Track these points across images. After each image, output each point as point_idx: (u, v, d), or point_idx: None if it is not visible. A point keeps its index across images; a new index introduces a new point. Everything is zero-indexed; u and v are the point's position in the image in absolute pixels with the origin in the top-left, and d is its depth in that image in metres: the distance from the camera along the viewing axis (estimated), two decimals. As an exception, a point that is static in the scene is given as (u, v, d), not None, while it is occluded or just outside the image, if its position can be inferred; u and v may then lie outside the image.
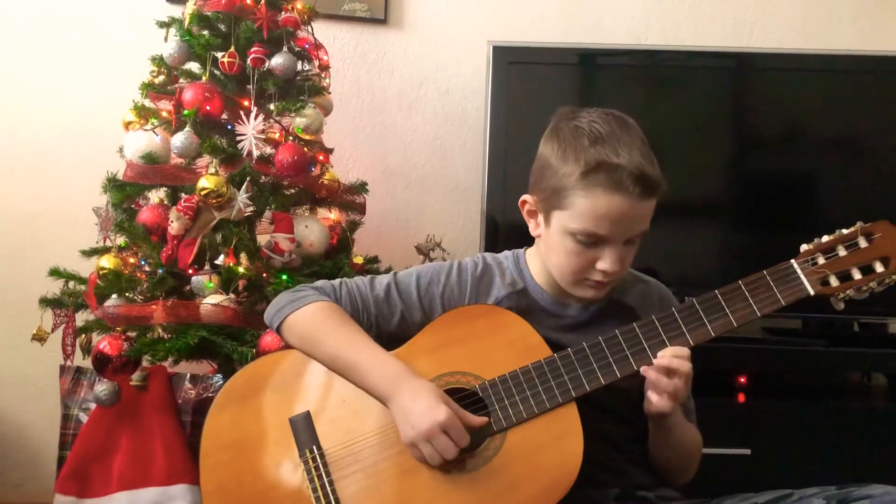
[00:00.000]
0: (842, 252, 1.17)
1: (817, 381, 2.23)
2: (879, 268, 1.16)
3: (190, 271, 1.74)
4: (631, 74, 2.23)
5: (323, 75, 2.00)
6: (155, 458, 1.78)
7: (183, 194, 1.78)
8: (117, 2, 2.34)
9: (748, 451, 1.88)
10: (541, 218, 1.25)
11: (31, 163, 2.31)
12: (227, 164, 1.79)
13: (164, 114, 1.85)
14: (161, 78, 1.91)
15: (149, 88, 1.88)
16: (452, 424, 1.12)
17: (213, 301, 1.69)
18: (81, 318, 1.87)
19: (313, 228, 1.87)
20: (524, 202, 1.28)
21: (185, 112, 1.77)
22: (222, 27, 1.88)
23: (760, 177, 2.20)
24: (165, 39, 1.90)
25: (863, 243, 1.16)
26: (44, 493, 2.06)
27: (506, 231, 2.11)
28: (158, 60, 1.90)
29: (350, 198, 2.03)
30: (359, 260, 1.96)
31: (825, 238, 1.18)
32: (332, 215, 2.03)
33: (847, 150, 2.15)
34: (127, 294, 1.75)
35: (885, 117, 2.12)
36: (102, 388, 1.75)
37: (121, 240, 1.84)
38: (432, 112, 2.43)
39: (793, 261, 1.18)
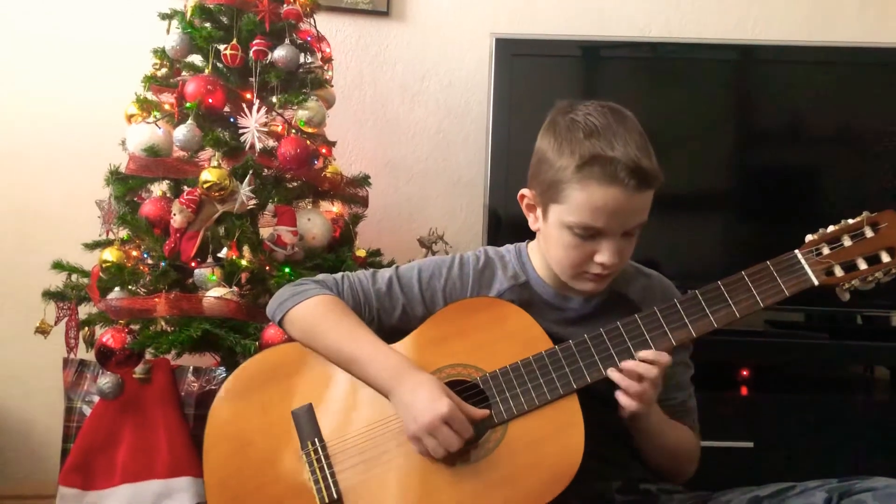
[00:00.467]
0: (847, 242, 1.16)
1: (820, 374, 2.22)
2: (886, 258, 1.15)
3: (193, 264, 1.74)
4: (634, 66, 2.22)
5: (325, 68, 1.99)
6: (158, 451, 1.79)
7: (185, 187, 1.78)
8: (119, -5, 2.34)
9: (751, 444, 1.88)
10: (539, 212, 1.25)
11: (34, 156, 2.31)
12: (230, 156, 1.79)
13: (167, 106, 1.85)
14: (163, 70, 1.91)
15: (151, 81, 1.88)
16: (455, 416, 1.12)
17: (215, 294, 1.69)
18: (84, 311, 1.87)
19: (316, 221, 1.87)
20: (522, 196, 1.28)
21: (188, 105, 1.77)
22: (224, 19, 1.87)
23: (764, 169, 2.19)
24: (167, 32, 1.89)
25: (869, 233, 1.16)
26: (48, 485, 2.06)
27: (508, 224, 2.11)
28: (160, 53, 1.89)
29: (353, 191, 2.03)
30: (361, 253, 1.96)
31: (830, 228, 1.17)
32: (335, 208, 2.03)
33: (851, 141, 2.14)
34: (130, 287, 1.76)
35: (890, 109, 2.10)
36: (106, 380, 1.75)
37: (123, 233, 1.84)
38: (435, 105, 2.42)
39: (797, 251, 1.17)
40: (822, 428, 1.89)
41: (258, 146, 1.76)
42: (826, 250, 1.16)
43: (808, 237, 1.18)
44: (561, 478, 1.12)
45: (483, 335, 1.23)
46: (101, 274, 1.78)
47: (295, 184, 1.90)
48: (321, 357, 1.26)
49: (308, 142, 1.83)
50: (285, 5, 1.87)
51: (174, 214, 1.73)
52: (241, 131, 1.77)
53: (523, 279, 1.30)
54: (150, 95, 1.89)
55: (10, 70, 2.31)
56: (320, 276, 1.34)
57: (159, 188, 1.89)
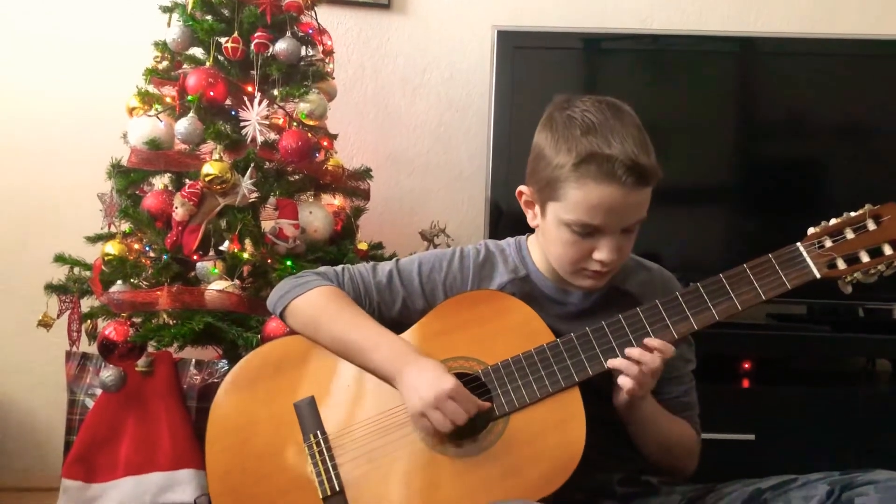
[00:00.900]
0: (849, 235, 1.15)
1: (822, 366, 2.22)
2: (888, 250, 1.14)
3: (195, 257, 1.74)
4: (636, 59, 2.21)
5: (327, 60, 1.99)
6: (161, 444, 1.79)
7: (187, 180, 1.78)
8: (121, -13, 2.33)
9: (752, 437, 1.88)
10: (537, 209, 1.24)
11: (36, 149, 2.31)
12: (231, 149, 1.78)
13: (168, 99, 1.85)
14: (164, 63, 1.91)
15: (152, 74, 1.88)
16: (459, 391, 1.12)
17: (217, 287, 1.69)
18: (87, 304, 1.87)
19: (317, 214, 1.87)
20: (521, 193, 1.27)
21: (189, 98, 1.77)
22: (226, 12, 1.87)
23: (766, 161, 2.19)
24: (168, 24, 1.89)
25: (871, 226, 1.15)
26: (51, 477, 2.08)
27: (510, 218, 2.11)
28: (162, 46, 1.89)
29: (354, 184, 2.03)
30: (363, 246, 1.96)
31: (832, 221, 1.17)
32: (337, 201, 2.03)
33: (853, 134, 2.13)
34: (132, 280, 1.76)
35: (893, 101, 2.10)
36: (108, 373, 1.76)
37: (125, 226, 1.84)
38: (436, 98, 2.41)
39: (799, 244, 1.17)
40: (823, 421, 1.89)
41: (260, 139, 1.76)
42: (828, 243, 1.16)
43: (811, 230, 1.18)
44: (562, 470, 1.12)
45: (484, 328, 1.23)
46: (103, 267, 1.78)
47: (296, 177, 1.90)
48: (323, 350, 1.26)
49: (309, 135, 1.83)
50: (286, -2, 1.87)
51: (176, 207, 1.73)
52: (242, 124, 1.76)
53: (523, 273, 1.30)
54: (151, 88, 1.89)
55: (11, 64, 2.31)
56: (321, 269, 1.34)
57: (161, 181, 1.89)
